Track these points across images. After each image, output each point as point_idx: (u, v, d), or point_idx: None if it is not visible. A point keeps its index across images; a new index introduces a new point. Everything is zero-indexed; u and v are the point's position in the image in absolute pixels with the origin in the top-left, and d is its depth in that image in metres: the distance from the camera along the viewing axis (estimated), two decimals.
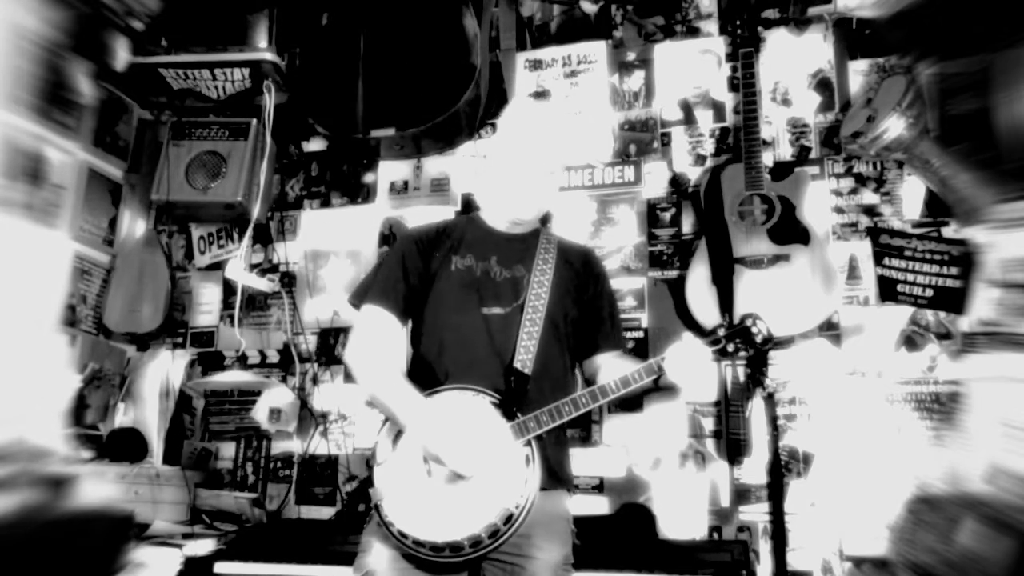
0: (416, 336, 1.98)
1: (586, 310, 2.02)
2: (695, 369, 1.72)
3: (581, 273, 2.04)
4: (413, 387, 1.77)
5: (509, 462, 1.70)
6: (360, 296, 1.95)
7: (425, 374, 1.86)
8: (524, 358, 1.82)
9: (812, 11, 3.08)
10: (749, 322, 1.74)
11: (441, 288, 1.93)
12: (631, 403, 2.88)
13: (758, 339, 1.73)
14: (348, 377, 3.33)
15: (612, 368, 1.91)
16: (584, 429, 2.95)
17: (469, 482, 1.67)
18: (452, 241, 1.99)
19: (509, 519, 1.66)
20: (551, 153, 2.00)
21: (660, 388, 1.81)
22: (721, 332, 1.75)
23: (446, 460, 1.65)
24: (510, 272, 1.95)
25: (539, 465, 1.72)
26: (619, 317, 2.12)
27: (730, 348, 1.74)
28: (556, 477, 1.84)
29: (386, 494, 1.70)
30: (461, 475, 1.66)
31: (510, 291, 1.91)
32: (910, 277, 2.77)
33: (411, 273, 1.94)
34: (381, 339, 1.89)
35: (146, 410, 3.51)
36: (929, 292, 2.74)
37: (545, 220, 2.54)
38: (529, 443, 1.72)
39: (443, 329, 1.89)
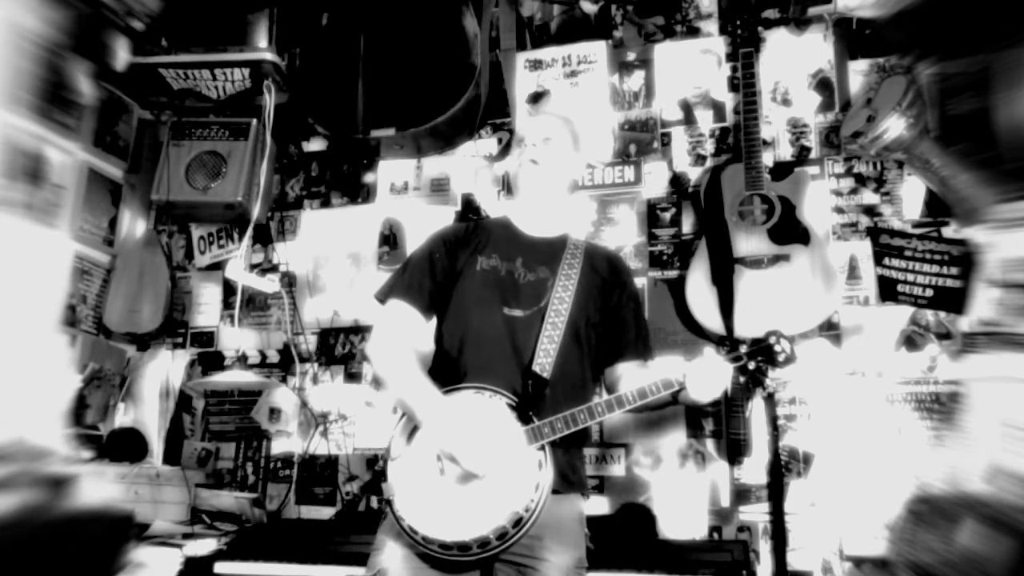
0: (439, 333, 1.99)
1: (610, 317, 2.00)
2: (714, 386, 1.69)
3: (607, 279, 2.02)
4: (432, 383, 1.78)
5: (521, 465, 1.69)
6: (386, 292, 1.97)
7: (445, 371, 1.88)
8: (543, 361, 1.82)
9: (812, 11, 3.08)
10: (773, 340, 1.69)
11: (465, 286, 1.94)
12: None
13: (780, 358, 1.67)
14: (350, 377, 3.34)
15: (633, 378, 1.88)
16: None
17: (480, 483, 1.67)
18: (479, 241, 2.01)
19: (518, 522, 1.65)
20: (542, 126, 2.03)
21: (678, 403, 1.79)
22: (743, 349, 1.72)
23: (459, 458, 1.65)
24: (534, 275, 1.95)
25: (551, 469, 1.70)
26: (645, 326, 2.06)
27: (751, 366, 1.69)
28: (569, 481, 1.83)
29: (398, 489, 1.71)
30: (473, 474, 1.66)
31: (532, 294, 1.92)
32: (910, 277, 2.77)
33: (438, 270, 1.96)
34: (402, 333, 1.90)
35: (146, 410, 3.51)
36: (929, 292, 2.74)
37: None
38: (543, 447, 1.72)
39: (464, 327, 1.90)
